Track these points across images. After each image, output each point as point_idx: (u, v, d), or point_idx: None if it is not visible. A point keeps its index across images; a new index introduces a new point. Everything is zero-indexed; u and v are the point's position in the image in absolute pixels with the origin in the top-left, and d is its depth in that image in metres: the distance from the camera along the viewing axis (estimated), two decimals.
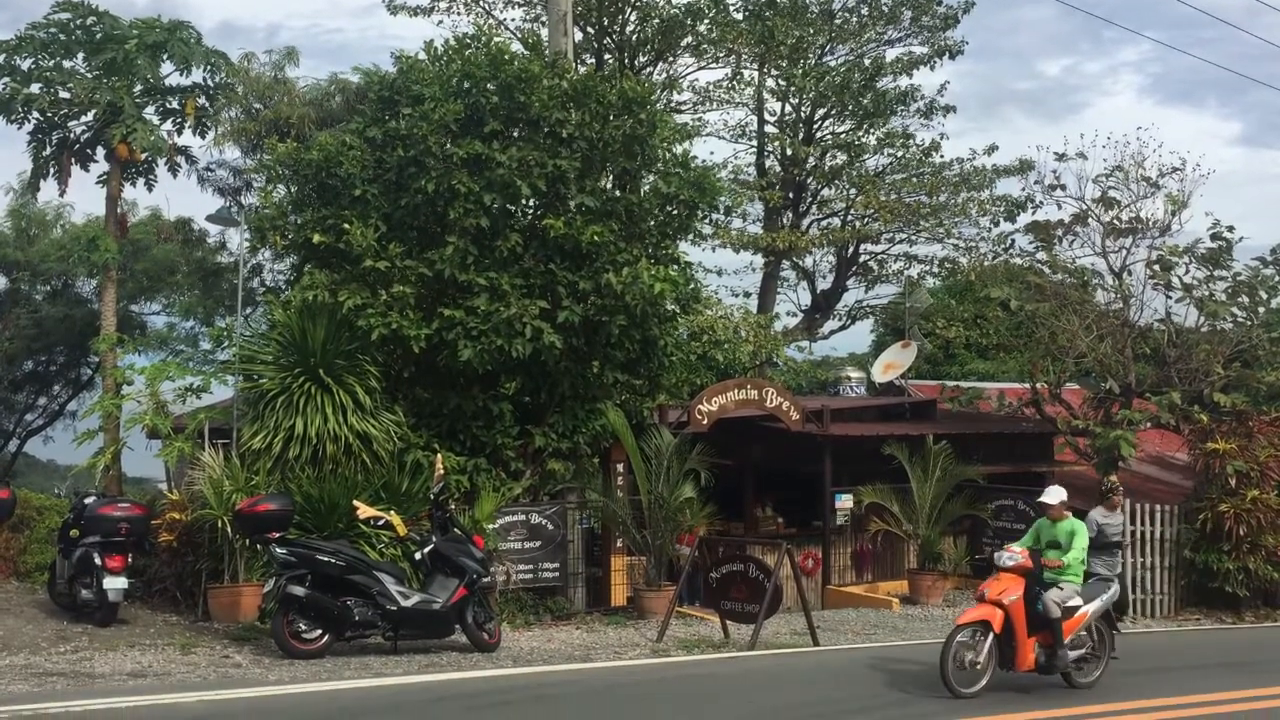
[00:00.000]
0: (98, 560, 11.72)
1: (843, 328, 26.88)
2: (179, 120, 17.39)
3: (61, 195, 18.51)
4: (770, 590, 12.56)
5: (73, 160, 17.02)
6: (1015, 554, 10.09)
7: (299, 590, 10.71)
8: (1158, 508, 17.46)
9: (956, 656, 9.64)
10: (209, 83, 17.46)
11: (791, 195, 24.77)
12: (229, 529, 12.24)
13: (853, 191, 24.50)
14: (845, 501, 17.86)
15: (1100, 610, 10.57)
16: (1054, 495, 10.75)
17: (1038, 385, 18.85)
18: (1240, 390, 18.30)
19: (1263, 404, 18.56)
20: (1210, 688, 10.60)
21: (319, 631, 10.88)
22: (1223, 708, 9.81)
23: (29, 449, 30.40)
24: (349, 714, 8.07)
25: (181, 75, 17.10)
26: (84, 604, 11.84)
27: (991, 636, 9.72)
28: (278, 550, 10.89)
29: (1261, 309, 18.78)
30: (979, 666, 9.66)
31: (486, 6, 23.88)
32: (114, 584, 11.67)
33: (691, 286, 16.04)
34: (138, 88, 16.69)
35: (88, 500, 12.39)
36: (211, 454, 13.17)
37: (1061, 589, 10.18)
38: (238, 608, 12.37)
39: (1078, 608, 10.24)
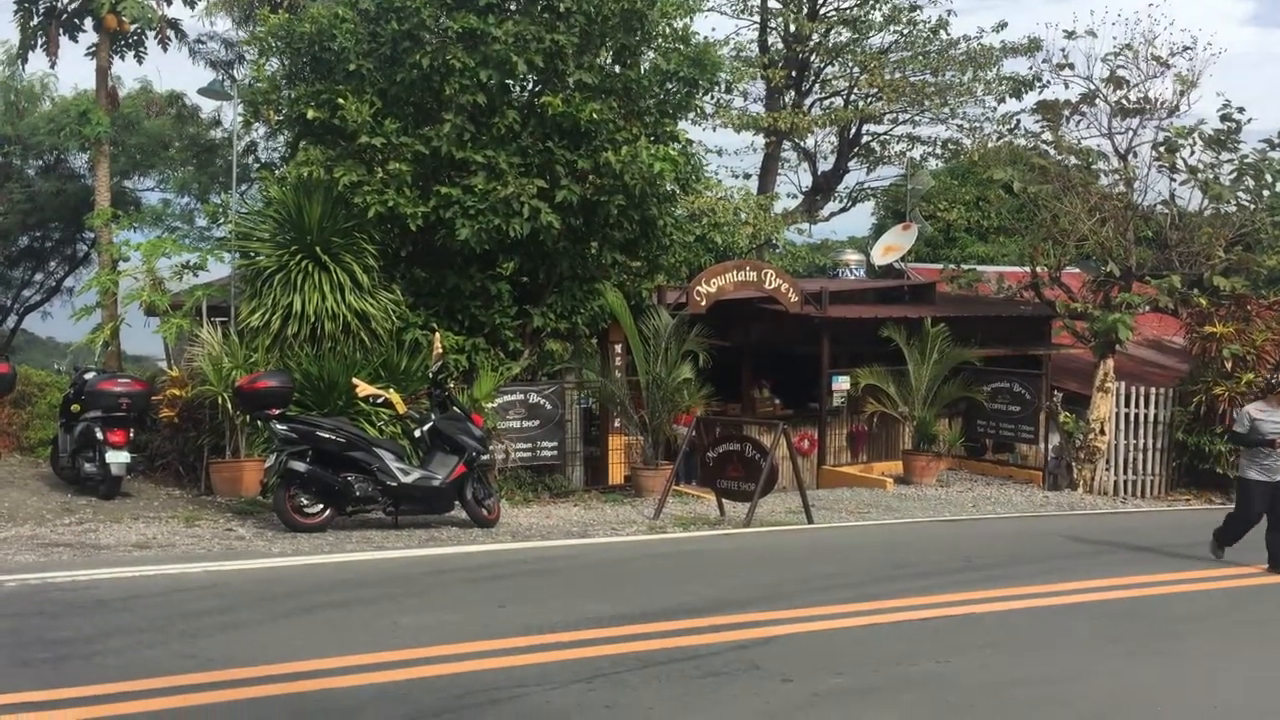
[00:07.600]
0: (99, 435, 11.82)
1: (843, 210, 26.73)
2: None
3: (52, 67, 18.13)
4: (766, 469, 12.71)
5: (60, 31, 16.62)
6: None
7: (300, 466, 10.81)
8: (1152, 390, 17.60)
9: None
10: None
11: (794, 74, 24.29)
12: (229, 405, 12.33)
13: (856, 70, 24.04)
14: (842, 383, 17.99)
15: None
16: None
17: (1037, 269, 18.78)
18: (1240, 274, 18.24)
19: (1262, 288, 18.53)
20: (1189, 567, 10.77)
21: (320, 506, 11.01)
22: (1199, 585, 9.99)
23: (27, 325, 30.46)
24: (352, 585, 8.21)
25: None
26: (87, 477, 11.98)
27: None
28: (278, 426, 10.96)
29: (1266, 193, 18.59)
30: None
31: None
32: (117, 458, 11.79)
33: (691, 166, 15.86)
34: None
35: (88, 375, 12.44)
36: (210, 331, 13.18)
37: None
38: (240, 482, 12.53)
39: None
